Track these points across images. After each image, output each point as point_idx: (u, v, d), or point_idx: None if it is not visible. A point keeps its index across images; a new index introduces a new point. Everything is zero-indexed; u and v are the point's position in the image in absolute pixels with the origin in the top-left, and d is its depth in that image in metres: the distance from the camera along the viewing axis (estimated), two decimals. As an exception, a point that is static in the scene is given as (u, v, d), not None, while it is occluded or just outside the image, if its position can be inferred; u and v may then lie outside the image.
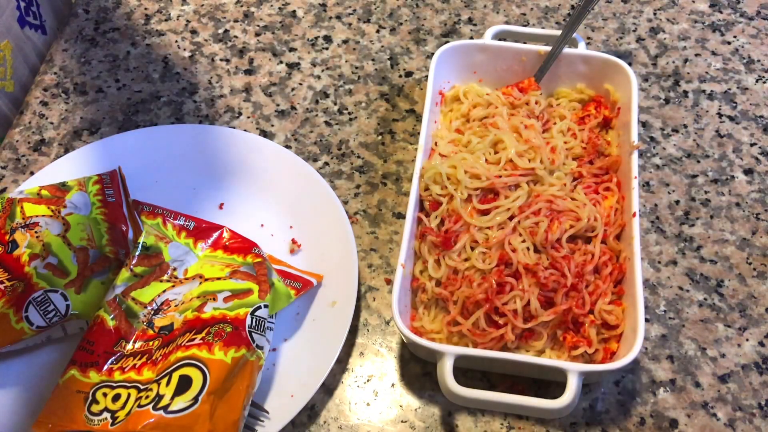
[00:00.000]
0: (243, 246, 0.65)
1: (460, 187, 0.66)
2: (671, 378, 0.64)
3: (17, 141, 0.81)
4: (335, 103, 0.83)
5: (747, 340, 0.66)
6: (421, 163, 0.68)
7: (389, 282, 0.70)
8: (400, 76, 0.86)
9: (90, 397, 0.59)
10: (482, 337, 0.60)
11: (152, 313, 0.63)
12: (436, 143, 0.72)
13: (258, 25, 0.91)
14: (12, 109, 0.86)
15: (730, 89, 0.83)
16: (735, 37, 0.88)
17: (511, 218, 0.65)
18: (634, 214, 0.64)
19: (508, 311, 0.60)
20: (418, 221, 0.67)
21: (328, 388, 0.64)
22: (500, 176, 0.66)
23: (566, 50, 0.75)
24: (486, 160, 0.68)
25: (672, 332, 0.67)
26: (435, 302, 0.64)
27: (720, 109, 0.82)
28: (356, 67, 0.87)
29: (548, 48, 0.75)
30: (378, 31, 0.90)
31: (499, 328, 0.60)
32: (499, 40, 0.77)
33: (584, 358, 0.61)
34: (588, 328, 0.61)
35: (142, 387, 0.58)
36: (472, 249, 0.64)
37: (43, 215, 0.66)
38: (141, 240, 0.65)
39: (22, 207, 0.67)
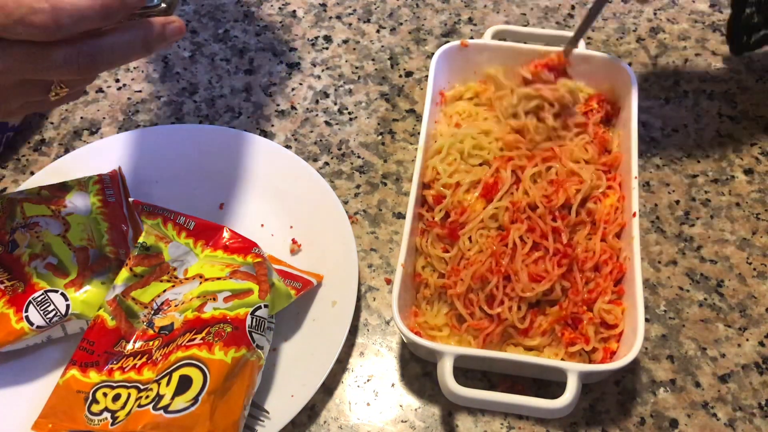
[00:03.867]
0: (243, 246, 0.65)
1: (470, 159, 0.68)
2: (671, 378, 0.64)
3: (17, 141, 0.81)
4: (335, 103, 0.83)
5: (747, 340, 0.66)
6: (421, 163, 0.68)
7: (389, 282, 0.70)
8: (400, 76, 0.86)
9: (90, 397, 0.59)
10: (487, 323, 0.61)
11: (152, 313, 0.63)
12: (436, 140, 0.72)
13: (258, 25, 0.91)
14: None
15: (730, 89, 0.83)
16: (735, 37, 0.88)
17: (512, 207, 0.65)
18: (634, 214, 0.64)
19: (512, 272, 0.61)
20: (419, 218, 0.67)
21: (328, 388, 0.64)
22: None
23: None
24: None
25: (672, 332, 0.67)
26: (438, 296, 0.64)
27: (720, 109, 0.82)
28: (356, 67, 0.87)
29: (548, 48, 0.75)
30: (378, 31, 0.90)
31: (501, 305, 0.61)
32: (499, 40, 0.77)
33: (584, 358, 0.61)
34: (586, 325, 0.61)
35: (142, 387, 0.58)
36: (477, 237, 0.65)
37: (43, 215, 0.66)
38: (141, 240, 0.65)
39: (22, 207, 0.67)
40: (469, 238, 0.65)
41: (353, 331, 0.67)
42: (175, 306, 0.62)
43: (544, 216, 0.64)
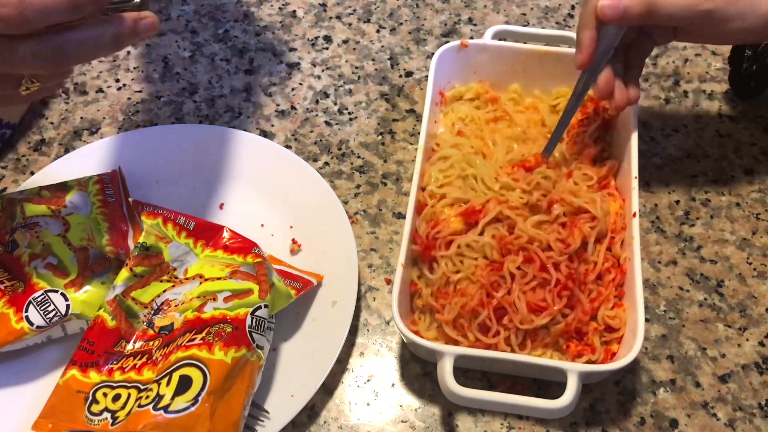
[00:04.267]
0: (243, 246, 0.65)
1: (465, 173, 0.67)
2: (671, 378, 0.64)
3: (17, 141, 0.81)
4: (335, 103, 0.83)
5: (747, 340, 0.66)
6: (420, 163, 0.68)
7: (389, 282, 0.70)
8: (400, 76, 0.86)
9: (90, 397, 0.59)
10: (483, 347, 0.60)
11: (152, 313, 0.63)
12: (437, 143, 0.72)
13: (258, 25, 0.91)
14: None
15: (730, 89, 0.83)
16: (735, 37, 0.88)
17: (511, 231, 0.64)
18: (634, 214, 0.64)
19: (508, 304, 0.60)
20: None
21: (328, 388, 0.64)
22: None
23: (566, 49, 0.75)
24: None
25: (672, 332, 0.67)
26: (429, 310, 0.63)
27: (720, 109, 0.82)
28: (356, 67, 0.87)
29: (548, 48, 0.75)
30: (378, 31, 0.90)
31: (496, 336, 0.60)
32: (499, 40, 0.77)
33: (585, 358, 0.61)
34: (591, 336, 0.60)
35: (142, 387, 0.58)
36: (461, 262, 0.63)
37: (43, 215, 0.66)
38: (141, 240, 0.65)
39: (22, 207, 0.67)
40: (452, 262, 0.63)
41: (353, 331, 0.67)
42: (175, 306, 0.62)
43: (554, 255, 0.62)
